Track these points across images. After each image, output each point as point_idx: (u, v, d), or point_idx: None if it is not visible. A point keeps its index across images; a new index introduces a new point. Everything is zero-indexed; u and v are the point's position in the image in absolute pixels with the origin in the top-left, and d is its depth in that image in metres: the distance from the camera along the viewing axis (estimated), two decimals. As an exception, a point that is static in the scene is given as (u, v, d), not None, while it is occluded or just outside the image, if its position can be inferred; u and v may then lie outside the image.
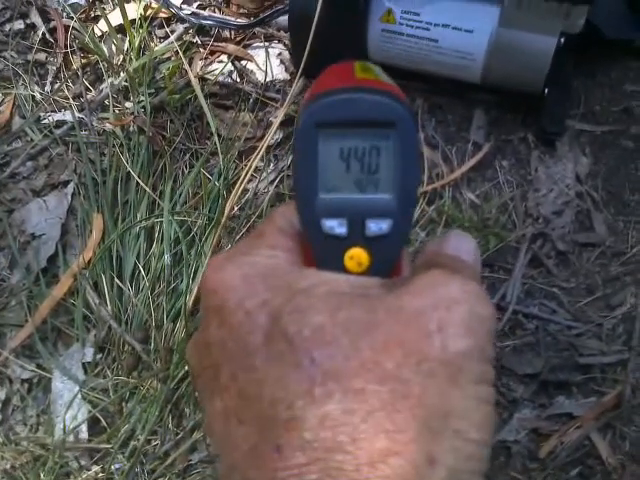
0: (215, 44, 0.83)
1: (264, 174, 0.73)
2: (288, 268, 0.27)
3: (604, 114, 0.73)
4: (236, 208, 0.71)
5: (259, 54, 0.81)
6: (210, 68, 0.81)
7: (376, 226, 0.27)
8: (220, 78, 0.79)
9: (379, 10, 0.70)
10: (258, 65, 0.80)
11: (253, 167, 0.67)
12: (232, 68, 0.80)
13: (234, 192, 0.63)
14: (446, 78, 0.73)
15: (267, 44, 0.82)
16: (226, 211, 0.61)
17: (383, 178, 0.27)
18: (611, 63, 0.75)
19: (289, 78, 0.79)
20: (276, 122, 0.62)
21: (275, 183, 0.72)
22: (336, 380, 0.23)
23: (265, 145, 0.68)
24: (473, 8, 0.68)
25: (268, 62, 0.79)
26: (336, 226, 0.27)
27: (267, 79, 0.79)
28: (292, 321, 0.24)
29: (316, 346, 0.24)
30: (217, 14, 0.84)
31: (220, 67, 0.80)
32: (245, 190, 0.72)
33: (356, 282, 0.26)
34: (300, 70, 0.74)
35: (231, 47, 0.82)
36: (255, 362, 0.24)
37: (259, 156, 0.69)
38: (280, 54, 0.80)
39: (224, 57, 0.82)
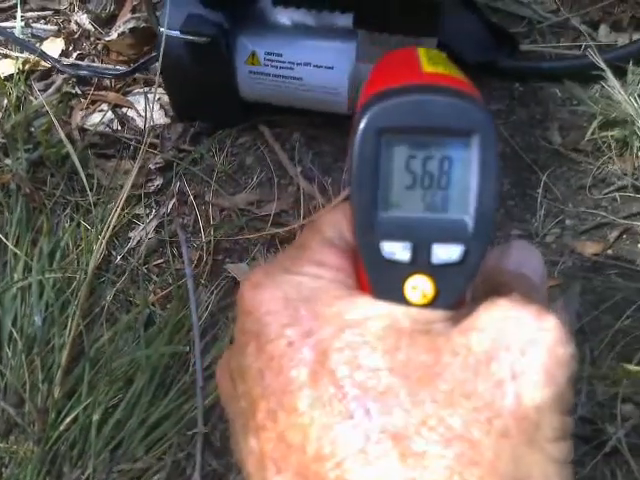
0: (96, 93, 0.83)
1: (146, 220, 0.74)
2: (338, 292, 0.23)
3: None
4: (119, 258, 0.71)
5: (140, 100, 0.82)
6: (91, 117, 0.82)
7: (445, 252, 0.23)
8: (101, 127, 0.80)
9: (244, 53, 0.72)
10: (138, 112, 0.81)
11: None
12: (113, 116, 0.81)
13: (97, 245, 0.63)
14: (319, 112, 0.75)
15: (147, 89, 0.83)
16: (91, 264, 0.62)
17: (456, 196, 0.23)
18: (476, 85, 0.77)
19: (169, 122, 0.80)
20: (132, 172, 0.63)
21: (156, 229, 0.73)
22: (394, 439, 0.20)
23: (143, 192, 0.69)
24: (331, 46, 0.70)
25: (148, 108, 0.80)
26: (398, 251, 0.23)
27: (147, 125, 0.80)
28: (342, 361, 0.21)
29: (371, 395, 0.20)
30: (96, 63, 0.85)
31: (101, 116, 0.81)
32: (127, 239, 0.73)
33: (418, 315, 0.22)
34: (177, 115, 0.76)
35: (111, 95, 0.83)
36: (298, 403, 0.21)
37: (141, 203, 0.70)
38: (160, 99, 0.81)
39: (105, 106, 0.82)
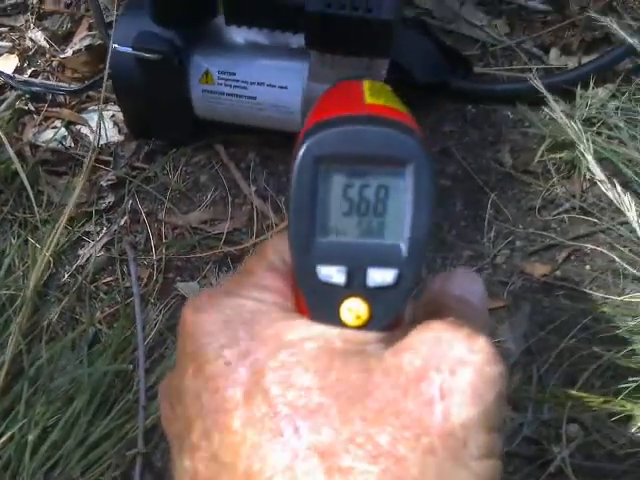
0: (50, 110, 0.82)
1: (96, 238, 0.72)
2: (276, 315, 0.24)
3: (436, 165, 0.76)
4: (66, 275, 0.70)
5: (94, 118, 0.82)
6: (44, 134, 0.81)
7: (380, 276, 0.23)
8: (53, 144, 0.79)
9: (198, 72, 0.71)
10: (92, 129, 0.81)
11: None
12: (66, 133, 0.80)
13: (40, 261, 0.62)
14: (274, 131, 0.75)
15: (103, 106, 0.82)
16: (32, 283, 0.61)
17: (391, 222, 0.24)
18: (430, 106, 0.78)
19: (123, 139, 0.79)
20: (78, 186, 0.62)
21: (106, 247, 0.72)
22: (321, 456, 0.20)
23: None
24: (284, 66, 0.70)
25: (102, 125, 0.80)
26: (334, 274, 0.23)
27: (101, 142, 0.79)
28: (276, 380, 0.22)
29: (301, 414, 0.21)
30: (51, 80, 0.84)
31: (54, 133, 0.80)
32: (77, 256, 0.72)
33: (352, 337, 0.23)
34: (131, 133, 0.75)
35: (65, 112, 0.82)
36: (232, 422, 0.21)
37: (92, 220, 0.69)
38: (114, 116, 0.81)
39: (58, 123, 0.82)
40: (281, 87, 0.70)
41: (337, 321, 0.23)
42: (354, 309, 0.23)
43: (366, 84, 0.27)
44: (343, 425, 0.21)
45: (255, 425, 0.21)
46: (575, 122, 0.60)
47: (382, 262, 0.23)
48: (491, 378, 0.22)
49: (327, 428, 0.21)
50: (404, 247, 0.23)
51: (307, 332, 0.23)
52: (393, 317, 0.24)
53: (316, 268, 0.23)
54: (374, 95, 0.26)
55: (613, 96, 0.74)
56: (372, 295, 0.23)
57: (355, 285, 0.23)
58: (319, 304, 0.24)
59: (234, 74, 0.71)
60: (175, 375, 0.25)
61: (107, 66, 0.69)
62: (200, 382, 0.23)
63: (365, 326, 0.23)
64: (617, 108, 0.72)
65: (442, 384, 0.21)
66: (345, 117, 0.23)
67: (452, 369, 0.22)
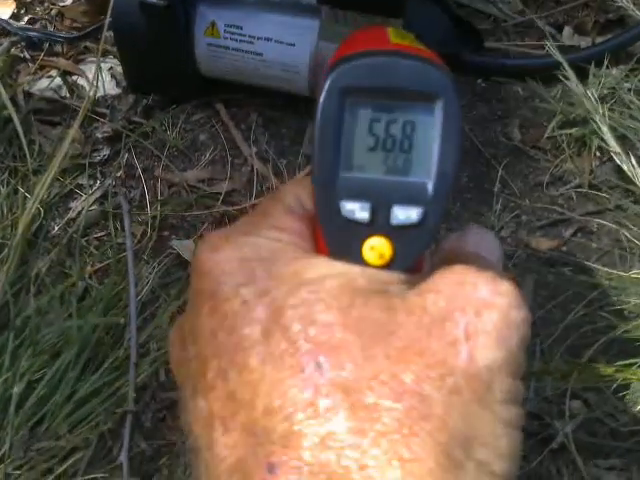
0: (45, 58, 0.79)
1: (89, 191, 0.70)
2: (295, 254, 0.23)
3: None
4: (57, 228, 0.67)
5: (92, 69, 0.79)
6: (39, 83, 0.77)
7: (404, 214, 0.23)
8: (48, 93, 0.76)
9: (203, 23, 0.69)
10: (89, 80, 0.78)
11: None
12: (61, 83, 0.77)
13: (28, 208, 0.60)
14: (278, 91, 0.73)
15: (101, 59, 0.79)
16: (19, 231, 0.58)
17: (417, 159, 0.23)
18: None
19: (120, 92, 0.77)
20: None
21: (100, 201, 0.69)
22: (345, 392, 0.20)
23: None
24: (294, 22, 0.68)
25: (100, 77, 0.77)
26: (357, 210, 0.23)
27: (98, 94, 0.76)
28: (296, 317, 0.21)
29: (323, 350, 0.20)
30: (49, 29, 0.81)
31: (49, 82, 0.77)
32: (68, 209, 0.69)
33: (374, 276, 0.22)
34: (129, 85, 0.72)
35: (62, 62, 0.79)
36: (250, 361, 0.21)
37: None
38: (112, 69, 0.78)
39: (54, 72, 0.78)
40: (289, 44, 0.68)
41: (359, 260, 0.23)
42: (377, 247, 0.23)
43: (391, 29, 0.27)
44: (366, 362, 0.20)
45: (274, 362, 0.20)
46: (593, 93, 0.58)
47: (407, 200, 0.23)
48: (515, 322, 0.21)
49: (350, 365, 0.20)
50: (430, 185, 0.23)
51: (328, 269, 0.22)
52: (417, 258, 0.24)
53: (339, 204, 0.23)
54: (399, 37, 0.25)
55: (626, 76, 0.73)
56: (396, 234, 0.23)
57: (379, 223, 0.23)
58: (341, 242, 0.23)
59: (241, 28, 0.68)
60: (189, 315, 0.24)
61: (109, 12, 0.66)
62: (216, 321, 0.22)
63: (388, 266, 0.23)
64: (630, 89, 0.71)
65: (467, 325, 0.21)
66: (372, 51, 0.23)
67: (477, 310, 0.21)
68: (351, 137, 0.23)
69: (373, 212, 0.23)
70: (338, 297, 0.21)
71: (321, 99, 0.23)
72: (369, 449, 0.19)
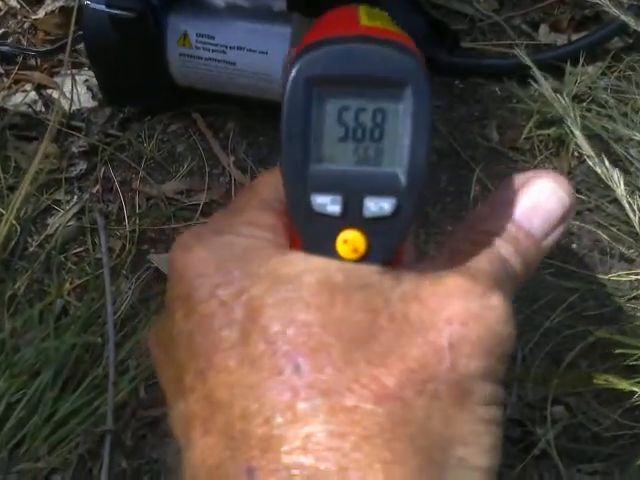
0: (20, 72, 0.78)
1: (66, 207, 0.69)
2: (270, 251, 0.23)
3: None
4: (35, 245, 0.67)
5: (67, 82, 0.78)
6: (13, 98, 0.77)
7: (376, 205, 0.22)
8: (23, 108, 0.75)
9: (175, 34, 0.68)
10: (64, 93, 0.77)
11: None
12: (37, 97, 0.77)
13: (2, 225, 0.59)
14: (255, 100, 0.72)
15: (75, 71, 0.78)
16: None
17: (388, 148, 0.22)
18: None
19: (96, 105, 0.76)
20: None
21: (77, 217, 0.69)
22: (324, 395, 0.19)
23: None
24: (266, 30, 0.67)
25: (75, 89, 0.76)
26: (329, 203, 0.22)
27: (73, 107, 0.75)
28: (275, 317, 0.21)
29: (302, 351, 0.20)
30: (23, 42, 0.80)
31: (24, 96, 0.76)
32: (45, 225, 0.68)
33: (352, 271, 0.22)
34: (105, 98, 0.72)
35: (37, 75, 0.78)
36: (228, 362, 0.21)
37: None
38: (87, 81, 0.77)
39: (29, 86, 0.78)
40: (262, 52, 0.67)
41: (334, 254, 0.22)
42: (350, 241, 0.22)
43: (362, 9, 0.26)
44: (347, 365, 0.20)
45: (253, 364, 0.20)
46: (563, 97, 0.58)
47: (379, 191, 0.22)
48: (501, 336, 0.21)
49: (330, 368, 0.20)
50: (402, 175, 0.22)
51: (305, 265, 0.22)
52: (392, 250, 0.23)
53: (310, 197, 0.22)
54: (370, 18, 0.24)
55: (603, 74, 0.72)
56: (369, 226, 0.22)
57: (351, 215, 0.22)
58: (314, 237, 0.22)
59: (213, 37, 0.68)
60: (165, 319, 0.24)
61: (72, 25, 0.65)
62: (193, 324, 0.22)
63: (363, 259, 0.22)
64: (607, 86, 0.71)
65: (451, 334, 0.21)
66: (338, 37, 0.22)
67: (464, 321, 0.21)
68: (320, 128, 0.22)
69: (345, 205, 0.22)
70: (317, 295, 0.21)
71: (287, 89, 0.22)
72: (350, 452, 0.19)
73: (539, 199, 0.25)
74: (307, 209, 0.22)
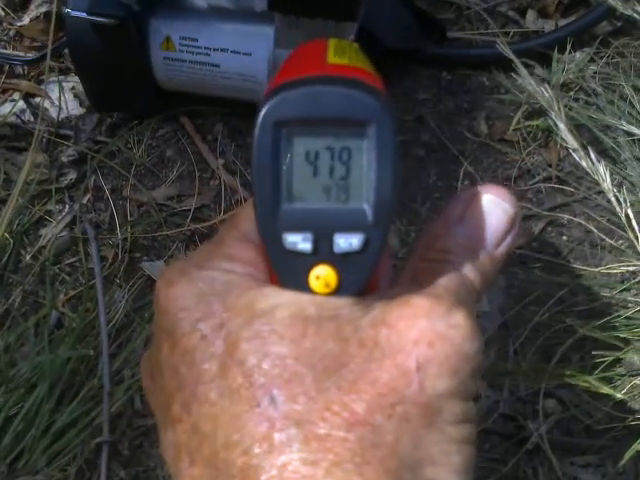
0: (7, 81, 0.79)
1: (58, 217, 0.70)
2: (247, 285, 0.24)
3: (398, 124, 0.73)
4: (28, 257, 0.67)
5: (54, 89, 0.78)
6: (2, 108, 0.77)
7: (345, 242, 0.23)
8: (12, 118, 0.75)
9: (158, 38, 0.68)
10: (52, 101, 0.77)
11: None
12: (25, 107, 0.77)
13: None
14: (241, 101, 0.72)
15: (62, 77, 0.78)
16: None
17: (355, 185, 0.23)
18: (404, 73, 0.76)
19: (84, 112, 0.76)
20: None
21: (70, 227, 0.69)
22: (297, 425, 0.20)
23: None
24: (248, 31, 0.67)
25: (62, 97, 0.76)
26: (300, 241, 0.23)
27: (61, 115, 0.75)
28: (251, 350, 0.22)
29: (276, 383, 0.21)
30: (7, 50, 0.80)
31: (12, 106, 0.76)
32: (38, 237, 0.69)
33: (324, 303, 0.23)
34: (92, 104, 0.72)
35: (24, 84, 0.78)
36: (210, 395, 0.22)
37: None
38: (74, 87, 0.77)
39: (17, 95, 0.78)
40: (245, 54, 0.67)
41: (307, 289, 0.23)
42: (322, 277, 0.23)
43: (331, 43, 0.27)
44: (319, 394, 0.21)
45: (232, 396, 0.21)
46: (547, 88, 0.57)
47: (348, 227, 0.23)
48: (468, 354, 0.22)
49: (303, 397, 0.21)
50: (369, 211, 0.23)
51: (278, 299, 0.23)
52: (363, 283, 0.24)
53: (282, 236, 0.23)
54: (338, 54, 0.25)
55: (591, 60, 0.71)
56: (340, 262, 0.23)
57: (322, 252, 0.23)
58: (287, 273, 0.23)
59: (196, 40, 0.67)
60: (153, 350, 0.25)
61: (51, 32, 0.65)
62: (177, 357, 0.23)
63: (335, 293, 0.23)
64: (595, 73, 0.70)
65: (418, 356, 0.21)
66: (304, 79, 0.23)
67: (430, 342, 0.21)
68: (289, 168, 0.23)
69: (316, 242, 0.23)
70: (290, 327, 0.22)
71: (256, 133, 0.23)
72: (323, 478, 0.20)
73: (486, 213, 0.26)
74: (280, 247, 0.23)
